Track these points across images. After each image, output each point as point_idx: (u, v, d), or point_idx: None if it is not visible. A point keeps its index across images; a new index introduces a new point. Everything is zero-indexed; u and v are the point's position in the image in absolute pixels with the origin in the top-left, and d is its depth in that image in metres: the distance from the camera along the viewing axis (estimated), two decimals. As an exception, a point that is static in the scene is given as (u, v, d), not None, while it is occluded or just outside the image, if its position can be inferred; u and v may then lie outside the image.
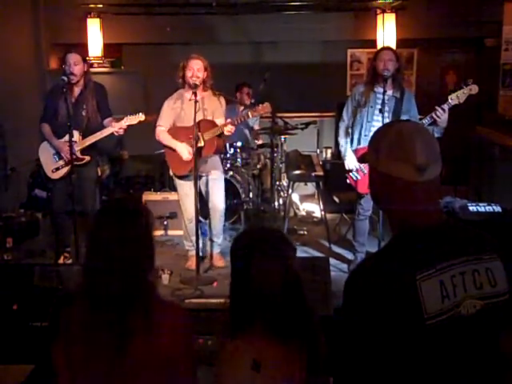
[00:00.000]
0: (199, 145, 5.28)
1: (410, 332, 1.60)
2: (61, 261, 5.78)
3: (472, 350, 1.66)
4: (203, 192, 5.71)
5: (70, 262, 5.72)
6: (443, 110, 4.93)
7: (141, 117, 5.62)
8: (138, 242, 2.30)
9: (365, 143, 5.32)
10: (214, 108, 5.52)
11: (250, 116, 5.45)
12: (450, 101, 4.96)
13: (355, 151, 5.42)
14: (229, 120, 5.35)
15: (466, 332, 1.65)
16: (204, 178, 5.67)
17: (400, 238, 1.78)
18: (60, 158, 5.66)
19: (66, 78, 5.35)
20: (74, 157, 5.41)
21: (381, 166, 1.78)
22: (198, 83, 5.32)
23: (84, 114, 5.56)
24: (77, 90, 5.62)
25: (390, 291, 1.62)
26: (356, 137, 5.43)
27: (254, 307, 2.22)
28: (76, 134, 5.48)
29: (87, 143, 5.60)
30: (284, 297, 2.20)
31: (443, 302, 1.62)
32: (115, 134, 5.61)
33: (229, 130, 5.30)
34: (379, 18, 8.68)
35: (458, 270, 1.65)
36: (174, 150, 5.55)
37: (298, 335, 2.20)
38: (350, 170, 5.43)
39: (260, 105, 5.46)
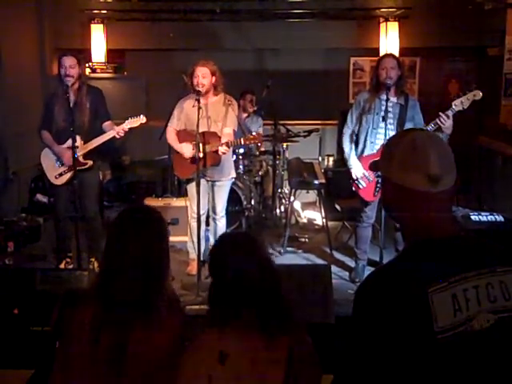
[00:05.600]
0: (200, 155, 5.32)
1: (421, 346, 1.58)
2: (62, 266, 5.78)
3: (485, 365, 1.62)
4: (206, 196, 5.72)
5: (71, 266, 5.72)
6: (447, 116, 4.92)
7: (142, 119, 5.62)
8: (156, 247, 2.41)
9: (370, 150, 5.34)
10: (221, 117, 5.51)
11: (242, 143, 5.49)
12: (453, 107, 4.95)
13: (360, 159, 5.43)
14: (224, 141, 5.38)
15: (479, 346, 1.62)
16: (210, 183, 5.70)
17: (412, 249, 1.76)
18: (62, 163, 5.65)
19: (68, 83, 5.36)
20: (77, 162, 5.42)
21: (394, 176, 1.76)
22: (201, 90, 5.33)
23: (82, 118, 5.52)
24: (73, 95, 5.57)
25: (401, 304, 1.60)
26: (361, 143, 5.43)
27: (231, 301, 2.23)
28: (78, 139, 5.46)
29: (89, 148, 5.58)
30: (261, 291, 2.22)
31: (455, 315, 1.59)
32: (117, 136, 5.60)
33: (223, 150, 5.34)
34: (382, 26, 8.71)
35: (471, 284, 1.63)
36: (179, 153, 5.60)
37: (276, 332, 2.19)
38: (357, 179, 5.43)
39: (252, 134, 5.53)
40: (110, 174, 7.96)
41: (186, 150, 5.51)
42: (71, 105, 5.49)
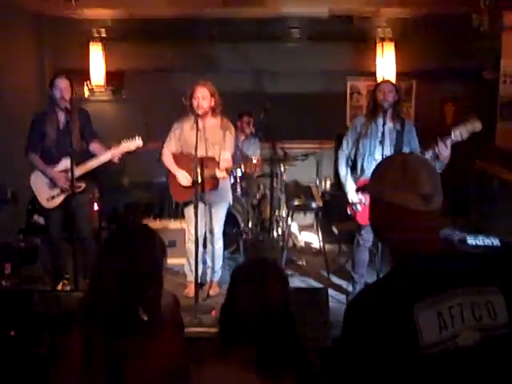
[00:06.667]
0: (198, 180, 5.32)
1: (407, 362, 1.60)
2: (59, 287, 5.75)
3: (470, 382, 1.65)
4: (204, 219, 5.74)
5: (68, 288, 5.70)
6: (446, 145, 4.90)
7: (138, 142, 5.61)
8: (142, 271, 2.36)
9: (367, 175, 5.34)
10: (219, 140, 5.52)
11: (243, 169, 5.44)
12: (453, 137, 4.88)
13: (357, 184, 5.44)
14: (223, 166, 5.40)
15: (465, 364, 1.64)
16: (207, 206, 5.71)
17: (399, 267, 1.79)
18: (55, 186, 5.61)
19: (62, 106, 5.40)
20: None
21: (386, 196, 1.80)
22: (200, 113, 5.34)
23: (73, 140, 5.39)
24: (62, 116, 5.57)
25: (387, 321, 1.63)
26: (359, 168, 5.46)
27: (237, 333, 2.22)
28: (69, 162, 5.38)
29: (85, 170, 5.57)
30: (264, 329, 2.20)
31: (441, 332, 1.62)
32: (114, 160, 5.60)
33: (223, 175, 5.39)
34: (378, 47, 8.76)
35: (456, 301, 1.66)
36: (175, 177, 5.61)
37: (281, 366, 2.17)
38: (353, 203, 5.44)
39: (253, 161, 5.47)
40: (98, 192, 7.88)
41: (182, 178, 5.54)
42: (62, 126, 5.51)
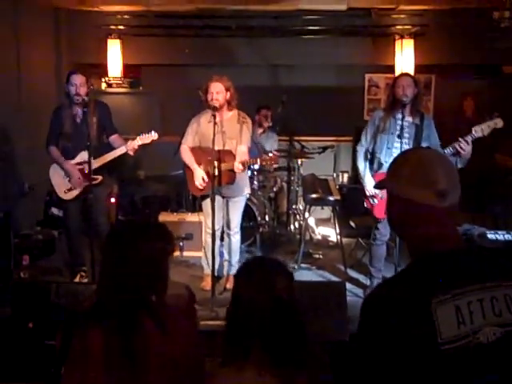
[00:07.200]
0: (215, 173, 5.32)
1: (425, 357, 1.59)
2: (77, 279, 5.80)
3: (491, 378, 1.62)
4: (221, 212, 5.74)
5: (86, 280, 5.73)
6: (467, 142, 4.90)
7: (154, 136, 5.66)
8: (145, 264, 2.35)
9: (385, 169, 5.30)
10: (236, 134, 5.53)
11: (259, 162, 5.49)
12: (474, 133, 4.92)
13: (374, 177, 5.41)
14: (240, 160, 5.40)
15: (486, 359, 1.62)
16: (225, 199, 5.72)
17: (417, 262, 1.78)
18: (70, 180, 5.68)
19: (77, 102, 5.46)
20: (87, 177, 5.43)
21: (402, 192, 1.79)
22: (216, 106, 5.36)
23: (90, 133, 5.42)
24: (79, 110, 5.62)
25: (405, 315, 1.61)
26: (376, 162, 5.42)
27: (247, 335, 2.20)
28: (86, 155, 5.41)
29: (101, 163, 5.61)
30: (273, 326, 2.17)
31: (459, 327, 1.60)
32: (130, 153, 5.65)
33: (240, 168, 5.38)
34: (397, 43, 8.72)
35: (475, 297, 1.64)
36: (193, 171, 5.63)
37: (294, 365, 2.15)
38: (371, 196, 5.41)
39: (269, 154, 5.54)
40: (117, 188, 7.92)
41: (198, 177, 5.57)
42: (78, 120, 5.55)
